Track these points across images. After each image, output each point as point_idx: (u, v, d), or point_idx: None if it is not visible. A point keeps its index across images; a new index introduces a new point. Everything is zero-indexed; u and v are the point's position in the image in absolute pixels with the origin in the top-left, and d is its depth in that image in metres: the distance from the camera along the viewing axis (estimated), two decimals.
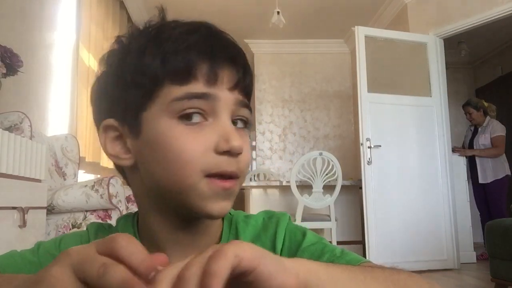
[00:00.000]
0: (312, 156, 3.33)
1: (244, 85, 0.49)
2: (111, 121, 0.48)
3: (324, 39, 5.45)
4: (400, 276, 0.40)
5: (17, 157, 1.57)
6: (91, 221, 2.10)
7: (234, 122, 0.48)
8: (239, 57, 0.49)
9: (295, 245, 0.51)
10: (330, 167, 3.31)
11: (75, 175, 2.57)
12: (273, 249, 0.51)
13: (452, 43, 4.51)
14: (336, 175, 3.32)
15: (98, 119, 0.50)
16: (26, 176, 1.64)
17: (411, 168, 3.63)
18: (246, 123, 0.50)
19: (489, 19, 3.52)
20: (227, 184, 0.45)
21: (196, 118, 0.45)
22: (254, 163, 5.43)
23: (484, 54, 5.79)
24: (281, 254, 0.50)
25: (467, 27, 3.70)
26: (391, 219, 3.49)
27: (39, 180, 1.77)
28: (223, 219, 0.55)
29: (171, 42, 0.45)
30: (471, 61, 5.98)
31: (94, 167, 3.13)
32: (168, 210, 0.48)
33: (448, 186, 3.66)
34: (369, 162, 3.51)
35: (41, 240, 0.55)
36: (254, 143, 5.45)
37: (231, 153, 0.45)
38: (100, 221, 2.09)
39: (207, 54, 0.45)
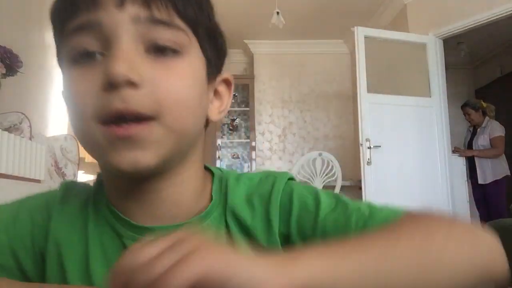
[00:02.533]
0: (311, 157, 3.33)
1: None
2: None
3: (323, 40, 5.45)
4: (433, 246, 0.31)
5: (17, 157, 1.57)
6: None
7: (154, 50, 0.37)
8: None
9: (308, 215, 0.42)
10: (329, 167, 3.31)
11: (75, 175, 2.57)
12: (267, 217, 0.43)
13: (451, 44, 4.51)
14: (335, 175, 3.32)
15: None
16: (25, 177, 1.64)
17: (410, 168, 3.63)
18: (169, 49, 0.38)
19: (489, 20, 3.52)
20: (121, 130, 0.35)
21: (83, 58, 0.37)
22: (253, 163, 5.43)
23: (483, 55, 5.79)
24: (292, 223, 0.42)
25: (467, 28, 3.70)
26: None
27: (38, 181, 1.77)
28: (213, 177, 0.47)
29: None
30: (470, 61, 5.98)
31: (93, 167, 3.13)
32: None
33: (447, 187, 3.66)
34: (368, 163, 3.50)
35: None
36: (253, 144, 5.45)
37: (113, 84, 0.34)
38: None
39: None
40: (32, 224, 0.44)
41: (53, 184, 2.28)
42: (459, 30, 3.76)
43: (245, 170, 5.59)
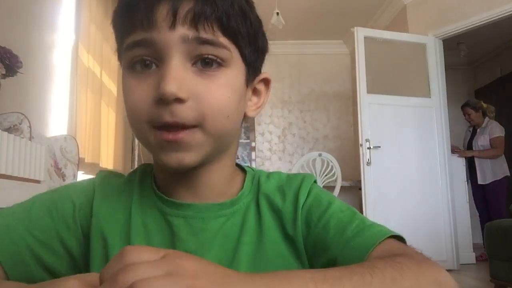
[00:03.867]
0: (311, 157, 3.33)
1: (196, 16, 0.41)
2: None
3: (323, 40, 5.46)
4: (404, 283, 0.34)
5: (16, 158, 1.57)
6: None
7: (200, 63, 0.43)
8: None
9: (319, 207, 0.49)
10: (329, 168, 3.31)
11: (75, 176, 2.57)
12: (295, 202, 0.50)
13: (451, 44, 4.51)
14: (335, 176, 3.32)
15: None
16: (25, 177, 1.64)
17: (410, 169, 3.63)
18: (213, 62, 0.43)
19: (488, 20, 3.53)
20: (170, 136, 0.42)
21: (140, 67, 0.43)
22: (253, 164, 5.43)
23: (483, 55, 5.79)
24: (301, 211, 0.49)
25: (466, 28, 3.70)
26: (390, 220, 3.49)
27: (38, 181, 1.76)
28: (245, 171, 0.55)
29: None
30: (470, 62, 5.98)
31: (93, 168, 3.13)
32: None
33: (447, 187, 3.67)
34: (368, 163, 3.51)
35: None
36: (253, 144, 5.45)
37: (164, 100, 0.41)
38: None
39: None
40: (74, 206, 0.49)
41: (53, 184, 2.28)
42: (458, 31, 3.76)
43: None
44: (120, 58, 0.47)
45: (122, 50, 0.45)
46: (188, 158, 0.43)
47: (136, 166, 4.25)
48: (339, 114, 5.57)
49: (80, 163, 2.70)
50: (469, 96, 5.58)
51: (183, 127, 0.42)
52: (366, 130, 3.55)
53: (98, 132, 3.22)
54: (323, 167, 3.30)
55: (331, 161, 3.31)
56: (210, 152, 0.46)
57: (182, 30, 0.41)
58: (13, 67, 1.79)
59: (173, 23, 0.41)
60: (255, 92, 0.54)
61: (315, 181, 0.54)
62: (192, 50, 0.42)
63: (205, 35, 0.42)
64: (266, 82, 0.55)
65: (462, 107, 4.23)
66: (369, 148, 3.52)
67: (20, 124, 1.91)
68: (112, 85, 3.65)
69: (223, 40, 0.43)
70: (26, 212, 0.48)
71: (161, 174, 0.51)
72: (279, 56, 5.52)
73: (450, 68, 4.69)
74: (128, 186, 0.52)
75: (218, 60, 0.43)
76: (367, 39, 3.68)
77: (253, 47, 0.49)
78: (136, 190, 0.51)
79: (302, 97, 5.56)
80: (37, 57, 2.56)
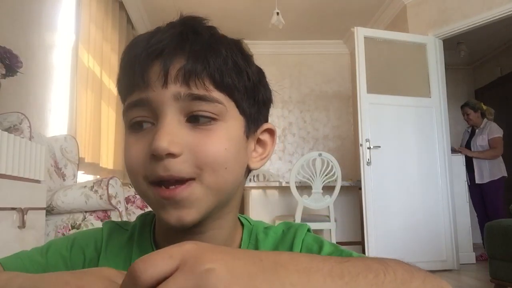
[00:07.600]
0: (311, 157, 3.33)
1: (187, 73, 0.42)
2: None
3: (323, 40, 5.46)
4: (412, 285, 0.33)
5: (17, 157, 1.57)
6: (91, 222, 2.10)
7: (194, 118, 0.43)
8: (172, 47, 0.43)
9: None
10: (329, 167, 3.30)
11: (75, 175, 2.57)
12: None
13: (451, 44, 4.52)
14: (335, 175, 3.32)
15: None
16: (25, 177, 1.64)
17: (410, 169, 3.63)
18: (207, 116, 0.43)
19: (488, 20, 3.53)
20: (167, 192, 0.42)
21: (138, 126, 0.45)
22: None
23: (483, 55, 5.80)
24: None
25: (467, 28, 3.70)
26: (390, 220, 3.49)
27: (38, 181, 1.76)
28: (242, 226, 0.54)
29: (123, 55, 0.47)
30: (470, 62, 5.99)
31: (93, 168, 3.13)
32: None
33: (447, 187, 3.67)
34: (368, 163, 3.51)
35: (40, 241, 0.55)
36: None
37: (157, 156, 0.41)
38: (99, 222, 2.09)
39: (138, 60, 0.44)
40: (84, 259, 0.51)
41: (53, 184, 2.28)
42: (458, 31, 3.77)
43: None
44: (123, 118, 0.48)
45: (124, 110, 0.47)
46: (189, 215, 0.43)
47: None
48: (339, 114, 5.57)
49: (80, 163, 2.70)
50: (469, 96, 5.58)
51: (179, 181, 0.42)
52: (366, 130, 3.55)
53: (98, 132, 3.21)
54: (323, 167, 3.30)
55: (331, 161, 3.31)
56: (211, 208, 0.45)
57: (174, 88, 0.42)
58: (13, 67, 1.79)
59: (165, 82, 0.42)
60: (260, 142, 0.53)
61: (308, 230, 0.53)
62: (185, 106, 0.43)
63: (197, 91, 0.42)
64: (271, 132, 0.55)
65: (462, 107, 4.24)
66: (369, 148, 3.52)
67: (20, 124, 1.91)
68: (112, 85, 3.65)
69: (216, 94, 0.44)
70: (43, 256, 0.50)
71: (161, 230, 0.51)
72: (279, 56, 5.52)
73: (450, 68, 4.69)
74: (129, 241, 0.53)
75: (212, 116, 0.43)
76: (367, 39, 3.68)
77: (251, 100, 0.49)
78: (135, 246, 0.52)
79: (302, 97, 5.56)
80: (37, 57, 2.55)
